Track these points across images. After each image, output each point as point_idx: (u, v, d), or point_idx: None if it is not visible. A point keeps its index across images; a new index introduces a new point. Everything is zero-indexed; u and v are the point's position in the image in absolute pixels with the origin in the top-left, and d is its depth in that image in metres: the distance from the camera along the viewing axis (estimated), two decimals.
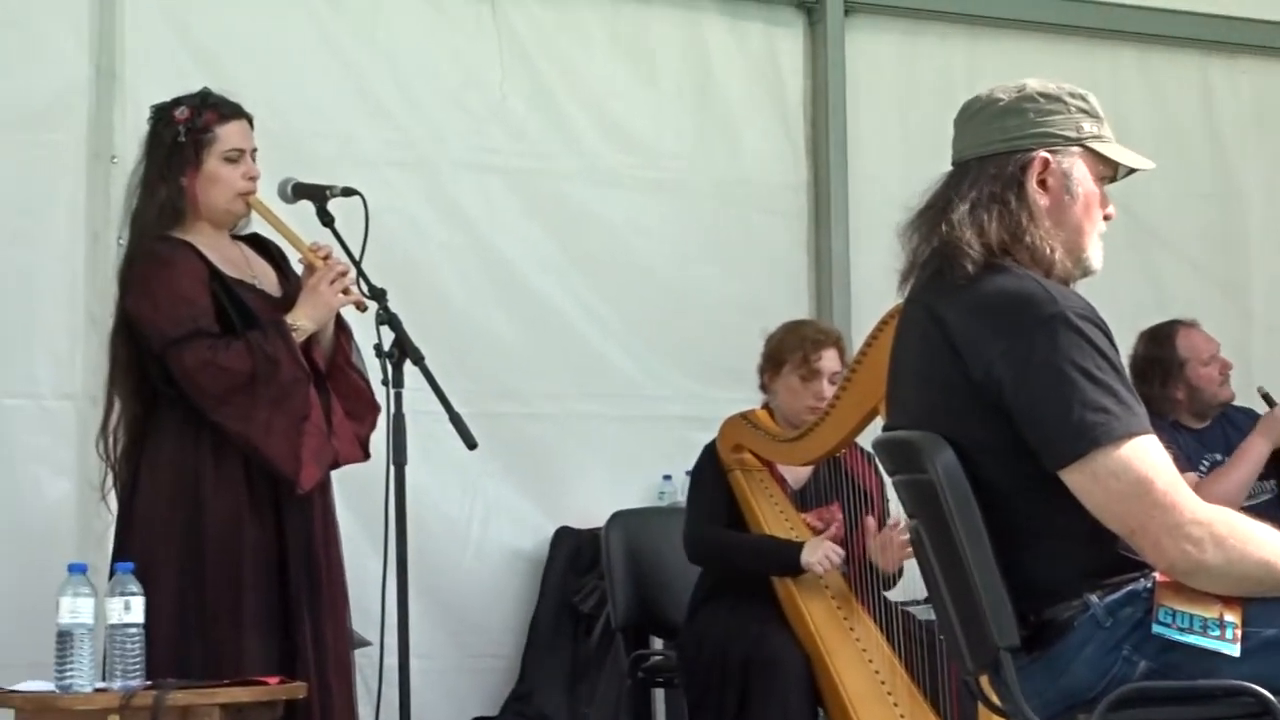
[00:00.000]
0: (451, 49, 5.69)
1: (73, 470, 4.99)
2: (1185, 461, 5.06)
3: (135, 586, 3.74)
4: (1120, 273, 5.41)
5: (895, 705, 4.37)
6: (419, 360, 3.96)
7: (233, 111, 4.21)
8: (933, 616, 3.45)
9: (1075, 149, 2.92)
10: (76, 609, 3.68)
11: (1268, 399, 5.40)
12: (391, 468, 3.89)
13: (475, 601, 5.53)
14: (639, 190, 5.90)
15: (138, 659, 3.72)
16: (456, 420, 3.94)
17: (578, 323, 5.79)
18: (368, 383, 4.24)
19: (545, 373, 5.71)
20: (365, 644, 4.41)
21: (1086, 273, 2.94)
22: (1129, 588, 2.75)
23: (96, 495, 4.38)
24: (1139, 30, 6.54)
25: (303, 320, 4.12)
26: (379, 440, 4.09)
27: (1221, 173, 6.69)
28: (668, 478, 5.67)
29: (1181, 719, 2.73)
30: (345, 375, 4.24)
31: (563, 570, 5.57)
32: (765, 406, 4.85)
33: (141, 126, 4.29)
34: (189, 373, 4.02)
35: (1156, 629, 2.72)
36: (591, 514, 5.45)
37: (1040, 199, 2.89)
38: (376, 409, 4.20)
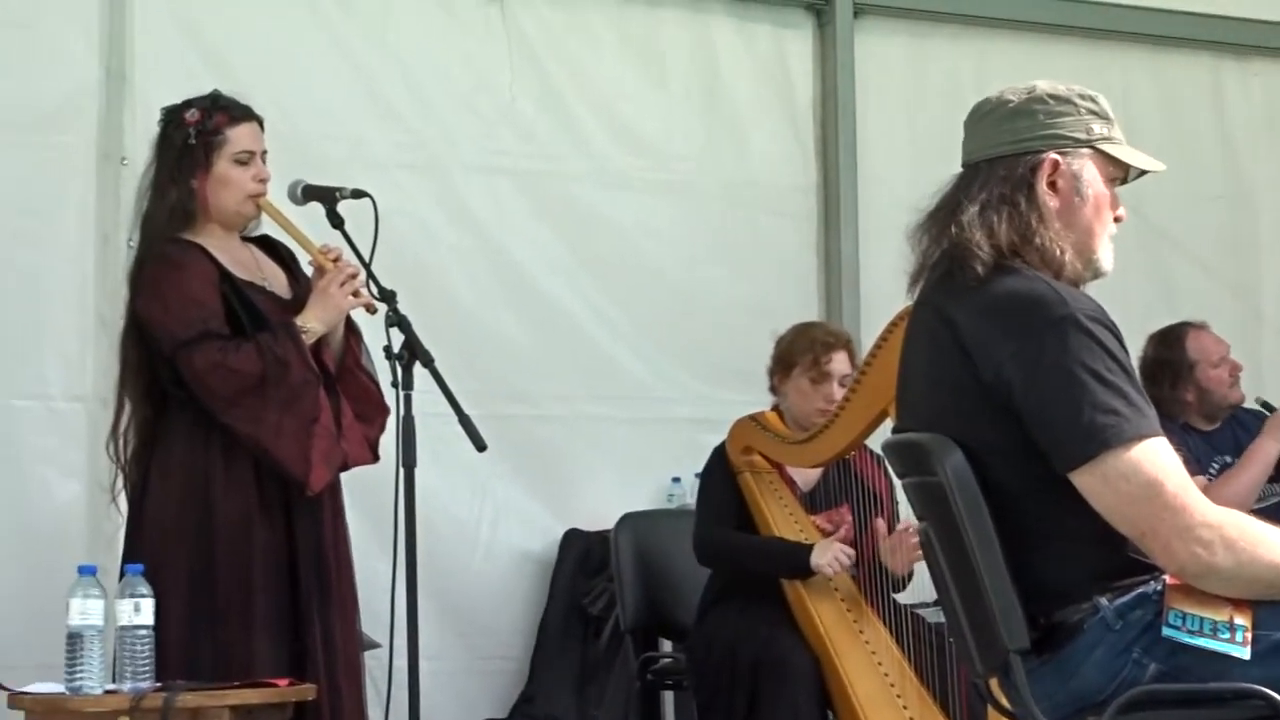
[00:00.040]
0: (461, 51, 5.69)
1: (83, 472, 4.99)
2: (1195, 464, 5.06)
3: (145, 588, 3.74)
4: (1130, 275, 5.42)
5: (905, 708, 4.37)
6: (428, 362, 3.97)
7: (243, 114, 4.21)
8: (942, 619, 3.45)
9: (1085, 151, 2.91)
10: (86, 611, 3.69)
11: (1266, 406, 5.40)
12: (401, 470, 3.90)
13: (484, 603, 5.53)
14: (648, 192, 5.91)
15: (147, 661, 3.72)
16: (466, 422, 3.95)
17: (587, 325, 5.79)
18: (377, 385, 4.24)
19: (554, 375, 5.71)
20: (375, 646, 4.42)
21: (1097, 274, 2.94)
22: (1139, 590, 2.75)
23: (106, 497, 4.39)
24: (1150, 32, 6.54)
25: (313, 322, 4.12)
26: (388, 442, 4.09)
27: (1232, 175, 6.68)
28: (677, 480, 5.67)
29: None
30: (355, 377, 4.24)
31: (572, 572, 5.57)
32: (775, 408, 4.85)
33: (151, 128, 4.29)
34: (199, 375, 4.02)
35: (1167, 632, 2.72)
36: (601, 516, 5.45)
37: (1050, 201, 2.89)
38: (386, 411, 4.20)
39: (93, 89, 5.14)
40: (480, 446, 3.96)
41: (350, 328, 4.26)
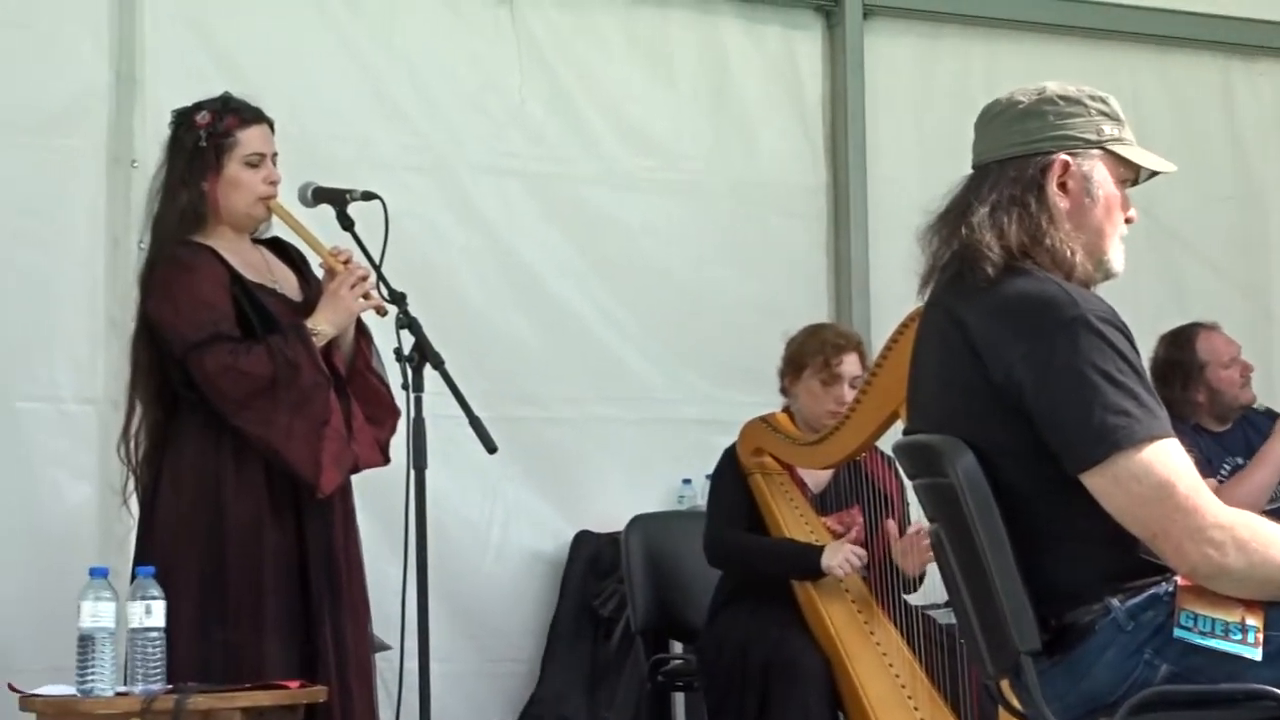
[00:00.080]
0: (469, 53, 5.70)
1: (94, 474, 5.00)
2: (1206, 465, 5.05)
3: (156, 590, 3.75)
4: (1141, 275, 5.41)
5: (916, 709, 4.36)
6: (439, 364, 3.97)
7: (254, 116, 4.21)
8: (953, 620, 3.44)
9: (1096, 151, 2.91)
10: (98, 613, 3.70)
11: (1269, 413, 5.40)
12: (411, 472, 3.90)
13: (495, 605, 5.53)
14: (657, 193, 5.91)
15: (159, 663, 3.73)
16: (476, 424, 3.95)
17: (596, 326, 5.79)
18: (388, 387, 4.24)
19: (564, 376, 5.71)
20: (385, 648, 4.41)
21: (1108, 275, 2.93)
22: (1150, 591, 2.75)
23: (118, 499, 4.39)
24: (1159, 33, 6.53)
25: (323, 325, 4.13)
26: (399, 444, 4.09)
27: (1242, 175, 6.68)
28: (687, 481, 5.67)
29: None
30: (365, 380, 4.24)
31: (582, 574, 5.57)
32: (785, 410, 4.85)
33: (162, 131, 4.30)
34: (210, 377, 4.02)
35: (1178, 633, 2.71)
36: (611, 518, 5.45)
37: (1060, 202, 2.88)
38: (396, 413, 4.20)
39: (102, 91, 5.15)
40: (491, 448, 3.96)
41: (361, 330, 4.26)
